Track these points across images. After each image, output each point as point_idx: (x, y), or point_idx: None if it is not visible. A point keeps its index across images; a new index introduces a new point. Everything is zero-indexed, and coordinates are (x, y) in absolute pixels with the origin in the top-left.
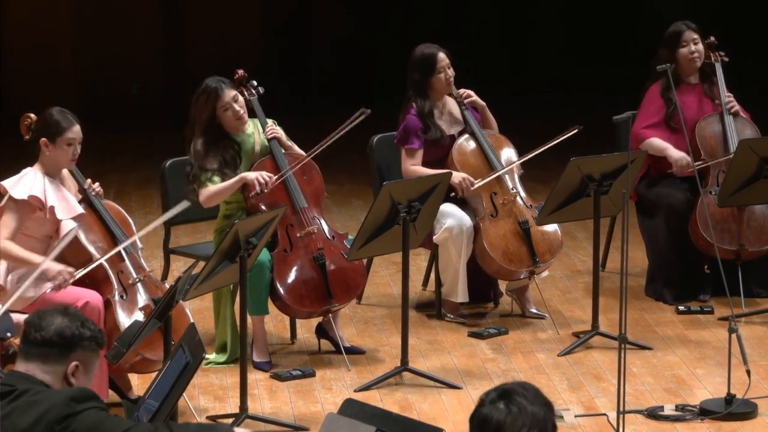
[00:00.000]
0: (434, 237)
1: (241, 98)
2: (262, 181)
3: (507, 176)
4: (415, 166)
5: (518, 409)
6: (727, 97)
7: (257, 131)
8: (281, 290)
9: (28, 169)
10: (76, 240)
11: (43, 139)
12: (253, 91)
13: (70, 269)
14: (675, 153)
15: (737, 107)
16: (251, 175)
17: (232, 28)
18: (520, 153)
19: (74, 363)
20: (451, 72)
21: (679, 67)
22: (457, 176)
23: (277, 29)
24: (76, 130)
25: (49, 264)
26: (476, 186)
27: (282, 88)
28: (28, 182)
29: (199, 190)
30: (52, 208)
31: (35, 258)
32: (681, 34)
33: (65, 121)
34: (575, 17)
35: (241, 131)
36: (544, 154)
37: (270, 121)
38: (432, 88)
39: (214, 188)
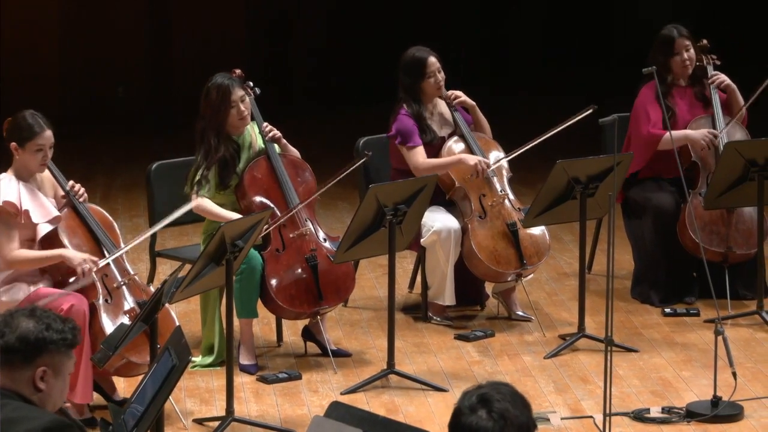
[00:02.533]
0: (422, 240)
1: (247, 99)
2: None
3: (496, 178)
4: (428, 160)
5: (502, 417)
6: (714, 75)
7: (253, 132)
8: (271, 289)
9: (3, 174)
10: (60, 244)
11: (13, 143)
12: (250, 92)
13: (94, 258)
14: (696, 132)
15: (726, 82)
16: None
17: (218, 31)
18: (510, 149)
19: (41, 369)
20: (441, 76)
21: (671, 73)
22: (471, 158)
23: (263, 32)
24: (46, 136)
25: (71, 253)
26: (493, 166)
27: (267, 91)
28: (2, 188)
29: (197, 196)
30: (26, 212)
31: (53, 252)
32: (674, 42)
33: (36, 126)
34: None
35: (241, 132)
36: (530, 154)
37: (265, 124)
38: (422, 91)
39: (209, 208)
